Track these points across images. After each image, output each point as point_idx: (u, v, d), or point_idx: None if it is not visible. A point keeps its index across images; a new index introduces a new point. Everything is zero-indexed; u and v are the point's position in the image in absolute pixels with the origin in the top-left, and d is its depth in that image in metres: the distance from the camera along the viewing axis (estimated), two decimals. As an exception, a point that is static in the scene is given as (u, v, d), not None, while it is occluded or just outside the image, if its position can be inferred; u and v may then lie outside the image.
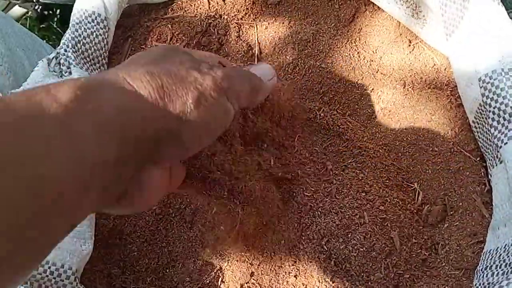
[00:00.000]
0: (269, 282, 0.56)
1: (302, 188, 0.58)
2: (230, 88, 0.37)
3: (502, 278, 0.43)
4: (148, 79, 0.32)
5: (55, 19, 1.62)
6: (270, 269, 0.56)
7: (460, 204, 0.59)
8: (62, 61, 0.63)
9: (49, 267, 0.50)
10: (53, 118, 0.25)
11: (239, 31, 0.71)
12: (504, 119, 0.50)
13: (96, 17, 0.64)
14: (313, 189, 0.59)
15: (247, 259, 0.57)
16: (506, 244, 0.48)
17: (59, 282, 0.50)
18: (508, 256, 0.46)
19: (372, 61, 0.69)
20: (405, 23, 0.68)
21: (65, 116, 0.26)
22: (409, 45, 0.68)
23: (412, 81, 0.67)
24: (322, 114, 0.65)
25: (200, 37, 0.70)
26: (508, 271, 0.44)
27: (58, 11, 1.58)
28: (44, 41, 1.67)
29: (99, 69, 0.65)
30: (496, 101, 0.51)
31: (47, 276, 0.50)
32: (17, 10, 1.42)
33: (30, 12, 1.47)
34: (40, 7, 1.50)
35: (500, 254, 0.48)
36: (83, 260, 0.54)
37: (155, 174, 0.34)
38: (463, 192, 0.59)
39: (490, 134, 0.53)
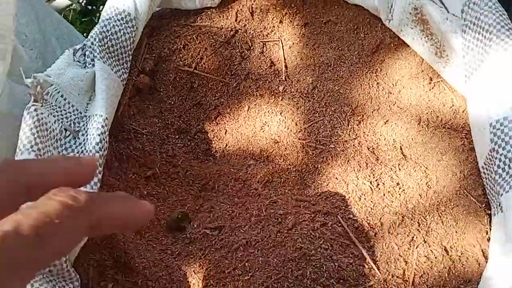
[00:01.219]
0: None
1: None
2: None
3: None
4: None
5: (97, 14, 1.67)
6: None
7: (459, 248, 0.58)
8: (87, 53, 0.65)
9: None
10: None
11: (263, 47, 0.73)
12: (510, 167, 0.50)
13: (125, 16, 0.66)
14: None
15: None
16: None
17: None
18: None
19: (390, 93, 0.69)
20: (428, 61, 0.68)
21: None
22: (430, 83, 0.68)
23: (428, 119, 0.66)
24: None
25: (223, 50, 0.72)
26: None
27: (101, 7, 1.63)
28: (84, 34, 1.72)
29: (122, 66, 0.67)
30: (504, 148, 0.51)
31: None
32: (62, 1, 1.47)
33: (74, 5, 1.52)
34: (85, 1, 1.55)
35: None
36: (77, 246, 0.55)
37: None
38: (463, 237, 0.58)
39: (495, 181, 0.52)
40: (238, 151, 0.70)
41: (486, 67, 0.57)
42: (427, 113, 0.67)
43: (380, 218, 0.59)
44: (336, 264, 0.55)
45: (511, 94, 0.53)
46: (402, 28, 0.68)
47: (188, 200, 0.68)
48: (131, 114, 0.70)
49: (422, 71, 0.69)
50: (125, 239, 0.60)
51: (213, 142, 0.72)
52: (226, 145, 0.71)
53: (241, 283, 0.56)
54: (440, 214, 0.60)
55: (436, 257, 0.57)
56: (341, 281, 0.54)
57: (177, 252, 0.62)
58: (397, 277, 0.55)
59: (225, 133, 0.72)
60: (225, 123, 0.72)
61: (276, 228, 0.59)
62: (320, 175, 0.64)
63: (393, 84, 0.69)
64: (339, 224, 0.59)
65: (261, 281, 0.55)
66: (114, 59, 0.67)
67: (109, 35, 0.66)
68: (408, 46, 0.70)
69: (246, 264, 0.57)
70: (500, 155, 0.51)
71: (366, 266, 0.56)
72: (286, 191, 0.64)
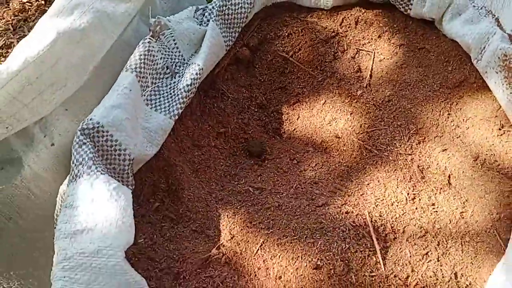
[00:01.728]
0: None
1: None
2: None
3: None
4: None
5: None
6: None
7: (470, 278, 0.59)
8: (206, 13, 0.76)
9: (115, 145, 0.62)
10: None
11: (356, 53, 0.79)
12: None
13: (246, -7, 0.77)
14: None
15: None
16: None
17: (116, 159, 0.62)
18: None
19: (458, 126, 0.72)
20: (504, 108, 0.70)
21: None
22: (500, 129, 0.70)
23: (485, 159, 0.68)
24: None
25: (320, 46, 0.80)
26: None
27: None
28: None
29: (230, 34, 0.78)
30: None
31: (111, 151, 0.62)
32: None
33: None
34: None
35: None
36: (142, 159, 0.66)
37: None
38: (478, 270, 0.60)
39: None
40: (303, 137, 0.78)
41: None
42: (486, 154, 0.69)
43: (405, 227, 0.63)
44: (347, 246, 0.60)
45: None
46: (487, 70, 0.71)
47: (246, 163, 0.76)
48: (225, 78, 0.81)
49: (496, 116, 0.71)
50: (183, 171, 0.70)
51: (284, 124, 0.80)
52: (295, 129, 0.79)
53: (260, 235, 0.63)
54: (462, 243, 0.62)
55: (443, 277, 0.59)
56: (345, 261, 0.59)
57: (219, 197, 0.70)
58: (399, 279, 0.59)
59: (297, 118, 0.79)
60: (300, 110, 0.80)
61: (307, 202, 0.66)
62: (365, 175, 0.69)
63: (463, 120, 0.72)
64: (364, 217, 0.63)
65: (277, 237, 0.62)
66: (226, 26, 0.77)
67: (228, 5, 0.77)
68: (490, 91, 0.72)
69: (271, 221, 0.64)
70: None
71: (374, 259, 0.60)
72: (330, 178, 0.70)
